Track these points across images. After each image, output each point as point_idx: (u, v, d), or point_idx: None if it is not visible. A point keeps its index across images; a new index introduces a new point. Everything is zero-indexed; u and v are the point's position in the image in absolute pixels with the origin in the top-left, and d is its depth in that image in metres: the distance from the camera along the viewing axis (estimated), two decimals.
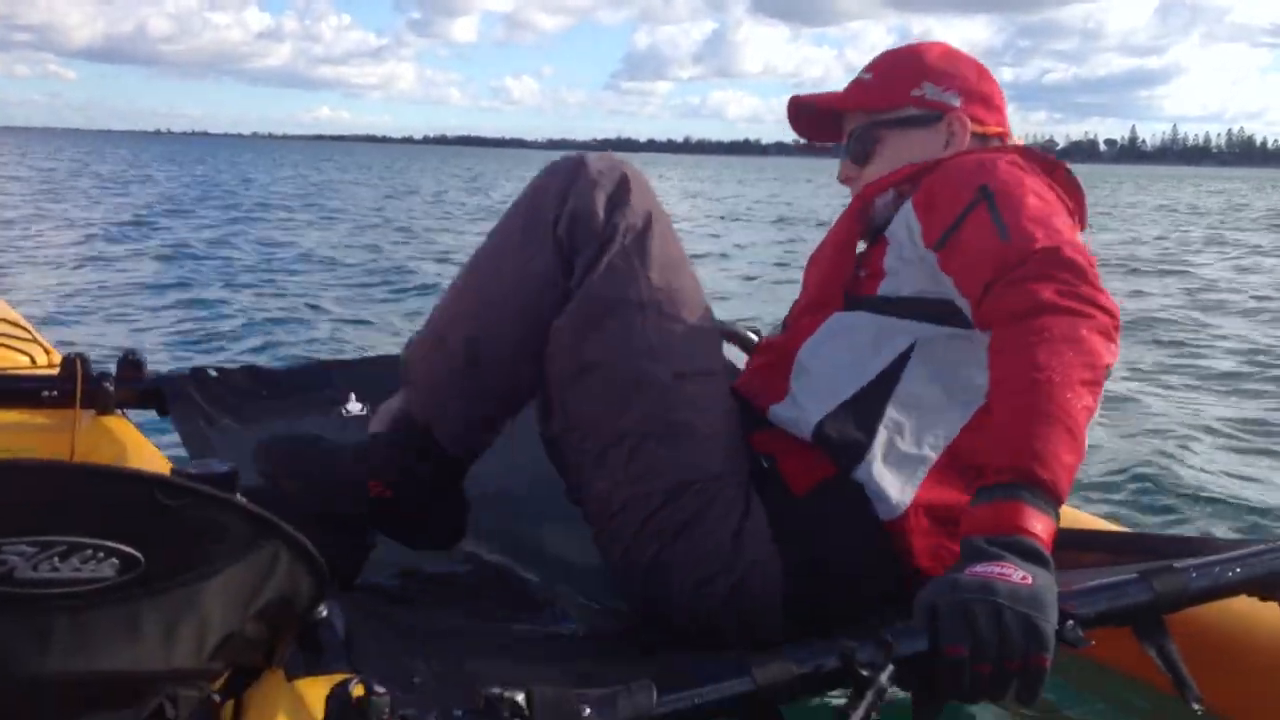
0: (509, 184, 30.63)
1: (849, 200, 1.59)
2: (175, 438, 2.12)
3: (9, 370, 2.23)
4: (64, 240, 10.12)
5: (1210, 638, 1.45)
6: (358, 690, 0.89)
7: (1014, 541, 1.05)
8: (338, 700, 0.89)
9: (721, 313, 1.77)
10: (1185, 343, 6.15)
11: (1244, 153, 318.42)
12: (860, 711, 0.96)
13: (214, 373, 2.23)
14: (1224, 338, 6.45)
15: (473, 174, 42.61)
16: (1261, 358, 5.70)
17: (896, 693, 1.02)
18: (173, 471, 1.26)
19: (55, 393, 2.09)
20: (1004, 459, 1.10)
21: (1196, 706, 1.13)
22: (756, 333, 2.53)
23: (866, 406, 1.36)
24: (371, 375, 2.25)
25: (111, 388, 2.12)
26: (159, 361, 4.15)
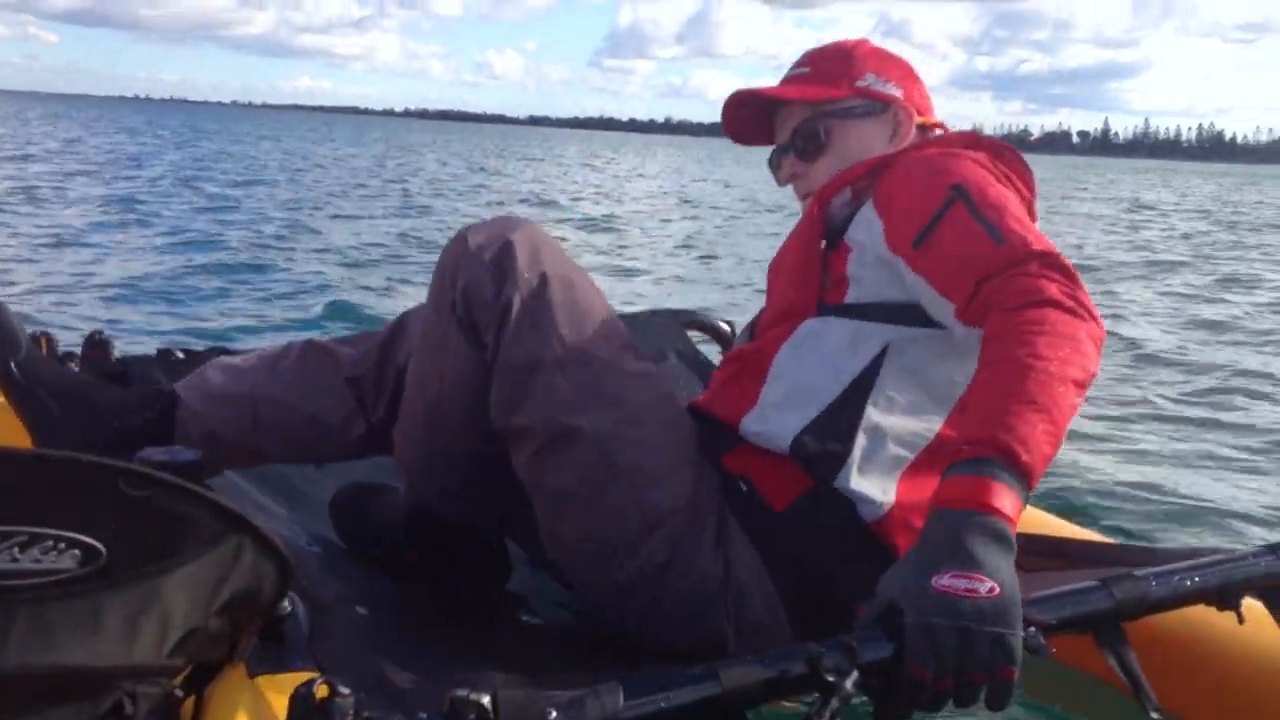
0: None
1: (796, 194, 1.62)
2: None
3: None
4: (46, 215, 9.91)
5: (1168, 646, 1.49)
6: (322, 691, 0.90)
7: (984, 521, 1.04)
8: (301, 700, 0.89)
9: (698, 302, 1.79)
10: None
11: (1214, 148, 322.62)
12: (825, 716, 0.98)
13: (180, 355, 2.21)
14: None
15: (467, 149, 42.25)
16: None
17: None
18: (137, 458, 1.26)
19: None
20: (984, 433, 1.09)
21: (1154, 715, 1.16)
22: (731, 326, 2.54)
23: (843, 414, 1.36)
24: None
25: (76, 368, 2.09)
26: (137, 344, 4.10)
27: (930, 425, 1.37)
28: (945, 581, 1.01)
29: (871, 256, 1.40)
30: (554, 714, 0.92)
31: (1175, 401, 4.71)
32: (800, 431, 1.35)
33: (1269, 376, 5.29)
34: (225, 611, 0.99)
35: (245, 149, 28.48)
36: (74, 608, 0.91)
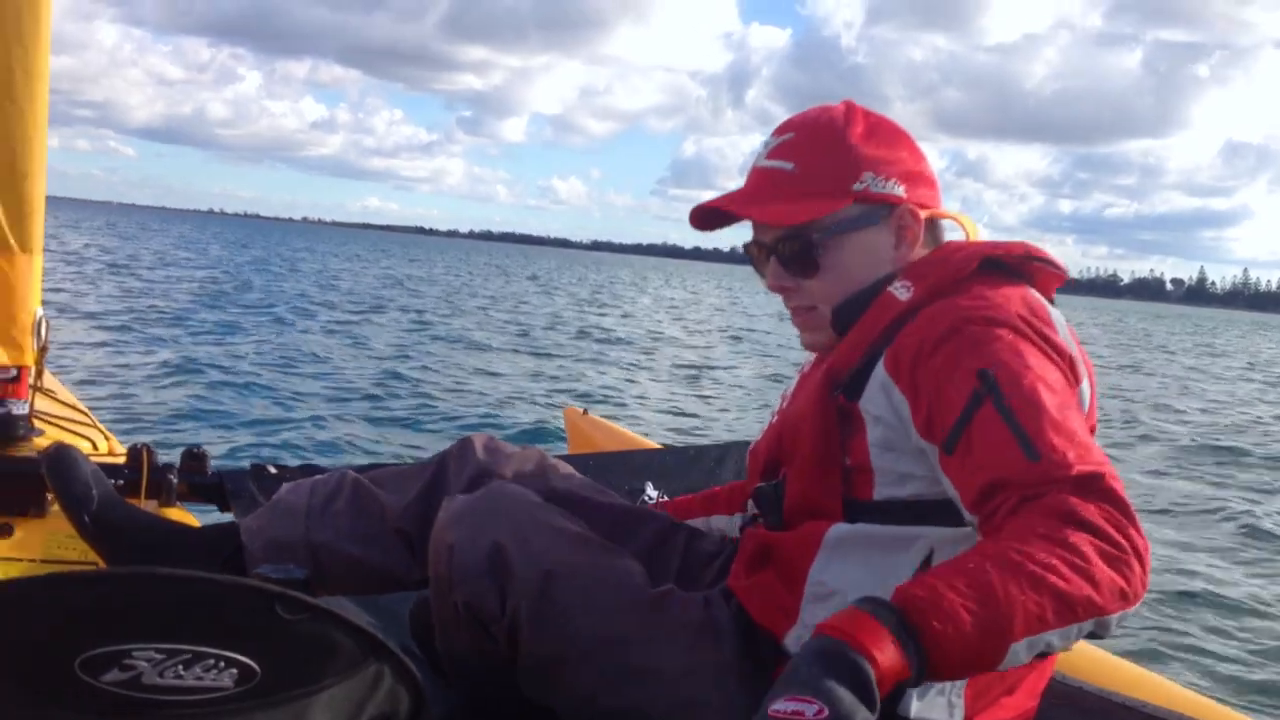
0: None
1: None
2: None
3: None
4: (116, 322, 10.38)
5: None
6: None
7: (839, 649, 0.95)
8: None
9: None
10: None
11: None
12: None
13: (273, 470, 2.30)
14: None
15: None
16: None
17: None
18: (253, 574, 1.32)
19: (120, 481, 2.16)
20: (914, 587, 1.00)
21: None
22: None
23: None
24: None
25: (175, 479, 2.19)
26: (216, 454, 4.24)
27: None
28: (777, 706, 0.93)
29: (898, 440, 1.26)
30: None
31: None
32: None
33: None
34: None
35: (343, 265, 29.38)
36: None
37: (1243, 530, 5.85)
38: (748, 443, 2.58)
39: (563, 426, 3.39)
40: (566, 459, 1.92)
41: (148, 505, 2.17)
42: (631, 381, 10.66)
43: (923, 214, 1.39)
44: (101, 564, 1.74)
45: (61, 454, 1.70)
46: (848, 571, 1.28)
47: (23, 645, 0.93)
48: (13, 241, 2.06)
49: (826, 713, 0.91)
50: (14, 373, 2.17)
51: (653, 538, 1.55)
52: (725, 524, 1.66)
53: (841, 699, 0.92)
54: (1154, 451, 9.51)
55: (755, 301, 36.21)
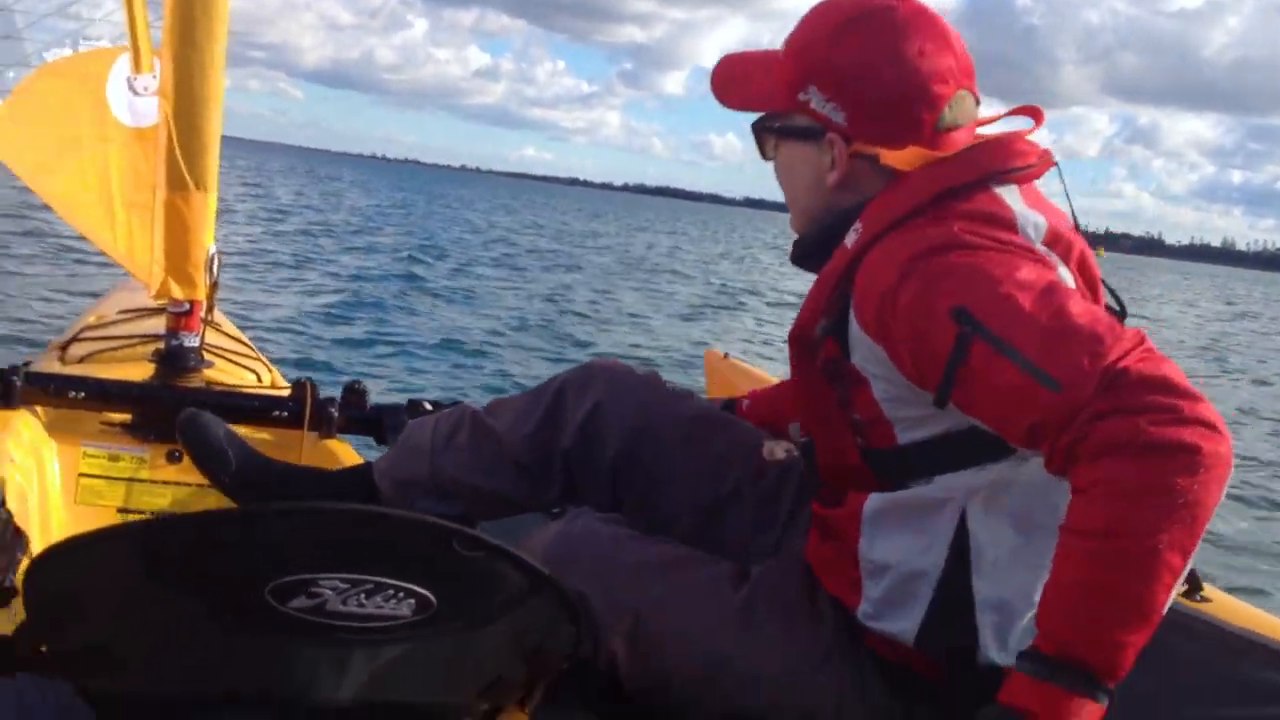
0: None
1: None
2: None
3: (239, 387, 2.43)
4: (283, 259, 10.72)
5: None
6: None
7: None
8: None
9: None
10: None
11: None
12: None
13: (429, 405, 2.38)
14: None
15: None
16: None
17: None
18: (414, 508, 1.39)
19: (284, 413, 2.27)
20: (1057, 628, 1.03)
21: None
22: None
23: (954, 600, 1.25)
24: None
25: (335, 413, 2.29)
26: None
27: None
28: None
29: (903, 390, 1.21)
30: None
31: None
32: (919, 632, 1.27)
33: None
34: (526, 663, 1.11)
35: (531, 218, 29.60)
36: (403, 651, 1.04)
37: None
38: None
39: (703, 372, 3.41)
40: None
41: (309, 437, 2.28)
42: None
43: (871, 151, 1.27)
44: None
45: (194, 419, 1.79)
46: (892, 544, 1.27)
47: (218, 573, 1.01)
48: (189, 179, 2.17)
49: None
50: (187, 307, 2.30)
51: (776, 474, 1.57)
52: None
53: None
54: None
55: None
